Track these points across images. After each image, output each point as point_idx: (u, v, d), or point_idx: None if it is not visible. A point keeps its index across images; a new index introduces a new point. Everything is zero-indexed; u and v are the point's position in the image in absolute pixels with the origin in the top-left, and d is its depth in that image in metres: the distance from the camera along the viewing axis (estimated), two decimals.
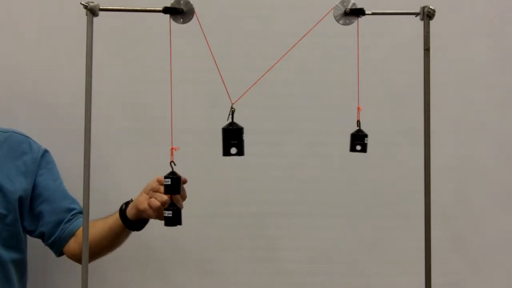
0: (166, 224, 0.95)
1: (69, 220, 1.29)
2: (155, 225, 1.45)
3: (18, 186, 1.26)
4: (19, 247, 1.29)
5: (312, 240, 1.55)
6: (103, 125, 1.47)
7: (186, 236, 1.52)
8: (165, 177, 0.95)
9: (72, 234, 1.28)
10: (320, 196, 1.54)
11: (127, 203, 1.23)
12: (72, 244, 1.29)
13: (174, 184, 0.94)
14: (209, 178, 1.52)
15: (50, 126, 1.36)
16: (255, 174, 1.53)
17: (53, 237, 1.28)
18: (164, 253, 1.53)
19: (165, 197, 1.13)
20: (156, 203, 1.14)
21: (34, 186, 1.29)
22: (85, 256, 0.90)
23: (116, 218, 1.22)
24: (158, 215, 1.15)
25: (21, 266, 1.30)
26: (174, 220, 0.95)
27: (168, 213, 0.95)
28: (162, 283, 1.53)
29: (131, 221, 1.21)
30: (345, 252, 1.55)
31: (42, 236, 1.30)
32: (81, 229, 1.28)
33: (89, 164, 0.91)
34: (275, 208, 1.54)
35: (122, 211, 1.22)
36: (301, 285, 1.54)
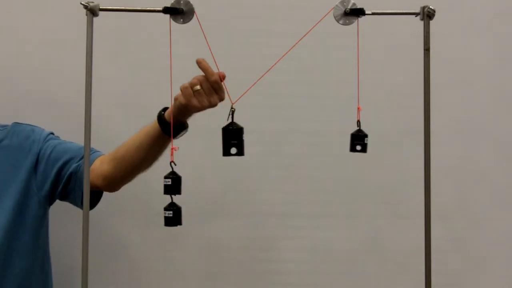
0: (166, 224, 0.95)
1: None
2: (155, 225, 1.45)
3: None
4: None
5: (312, 240, 1.55)
6: (103, 125, 1.48)
7: (186, 236, 1.52)
8: (165, 177, 0.95)
9: (93, 161, 1.22)
10: (320, 196, 1.54)
11: (166, 108, 1.15)
12: (99, 167, 1.21)
13: (174, 184, 0.94)
14: (209, 178, 1.52)
15: (50, 126, 1.35)
16: (255, 174, 1.53)
17: (79, 172, 1.22)
18: (164, 253, 1.53)
19: (197, 77, 1.06)
20: (184, 84, 1.06)
21: (43, 157, 1.25)
22: (85, 256, 0.90)
23: (153, 123, 1.15)
24: (187, 99, 1.06)
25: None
26: (174, 220, 0.95)
27: (168, 213, 0.95)
28: (162, 283, 1.53)
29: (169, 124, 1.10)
30: (345, 252, 1.55)
31: (71, 179, 1.23)
32: (103, 155, 1.23)
33: (89, 164, 0.91)
34: (275, 208, 1.54)
35: (160, 114, 1.14)
36: (301, 285, 1.54)
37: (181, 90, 1.07)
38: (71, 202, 1.28)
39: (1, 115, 1.39)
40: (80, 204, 1.25)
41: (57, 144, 1.26)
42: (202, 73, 1.06)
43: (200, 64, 1.05)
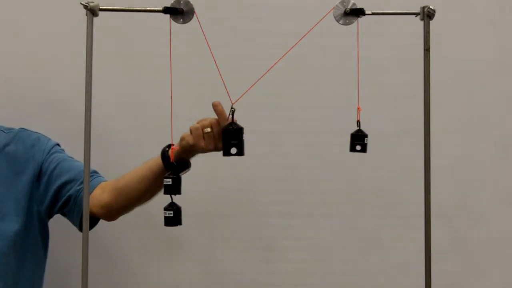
0: (166, 224, 0.95)
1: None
2: (155, 225, 1.45)
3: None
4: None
5: (312, 240, 1.55)
6: (103, 125, 1.48)
7: (186, 236, 1.52)
8: (165, 177, 0.95)
9: (94, 188, 1.22)
10: (320, 196, 1.54)
11: (169, 145, 1.15)
12: (99, 195, 1.21)
13: (174, 184, 0.95)
14: (209, 177, 1.52)
15: (50, 126, 1.36)
16: (255, 174, 1.53)
17: (79, 198, 1.22)
18: (163, 253, 1.53)
19: (209, 120, 1.08)
20: (195, 125, 1.08)
21: (46, 170, 1.25)
22: (85, 256, 0.90)
23: (156, 158, 1.15)
24: (195, 140, 1.08)
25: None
26: (174, 220, 0.95)
27: (168, 213, 0.95)
28: (162, 283, 1.53)
29: (172, 163, 1.11)
30: (345, 252, 1.55)
31: (71, 201, 1.23)
32: (104, 182, 1.24)
33: (89, 164, 0.91)
34: (275, 208, 1.54)
35: (164, 151, 1.14)
36: (301, 285, 1.54)
37: (191, 131, 1.08)
38: (69, 220, 1.29)
39: (1, 115, 1.39)
40: (78, 226, 1.26)
41: (62, 160, 1.26)
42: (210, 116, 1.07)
43: (216, 107, 1.06)
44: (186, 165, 1.15)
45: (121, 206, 1.21)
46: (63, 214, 1.29)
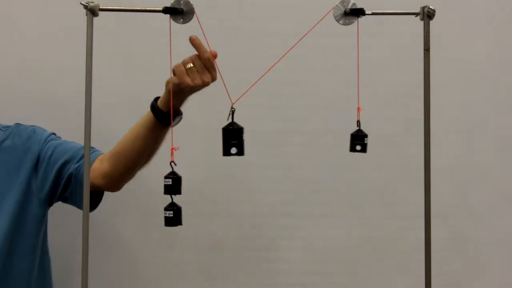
0: (166, 224, 0.95)
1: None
2: (155, 225, 1.45)
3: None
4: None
5: (312, 240, 1.55)
6: (103, 124, 1.48)
7: (186, 236, 1.52)
8: (165, 177, 0.95)
9: (93, 161, 1.21)
10: (320, 196, 1.54)
11: (157, 97, 1.14)
12: (98, 167, 1.20)
13: (174, 184, 0.94)
14: (209, 178, 1.52)
15: (50, 126, 1.35)
16: (255, 174, 1.53)
17: (79, 174, 1.21)
18: (164, 253, 1.53)
19: (188, 57, 1.05)
20: (177, 64, 1.05)
21: (43, 158, 1.24)
22: (85, 255, 0.90)
23: (147, 114, 1.14)
24: (180, 77, 1.05)
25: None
26: (175, 220, 0.95)
27: (168, 213, 0.95)
28: (162, 283, 1.53)
29: (164, 113, 1.11)
30: (345, 252, 1.55)
31: (72, 180, 1.23)
32: (102, 154, 1.23)
33: (89, 164, 0.91)
34: (275, 208, 1.54)
35: (153, 103, 1.13)
36: (301, 285, 1.54)
37: (173, 70, 1.06)
38: (72, 204, 1.28)
39: (2, 115, 1.39)
40: (81, 206, 1.24)
41: (57, 145, 1.26)
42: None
43: (193, 41, 1.04)
44: (176, 113, 1.13)
45: (122, 172, 1.20)
46: (65, 199, 1.27)
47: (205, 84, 1.06)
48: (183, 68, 1.05)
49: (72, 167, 1.22)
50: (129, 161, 1.19)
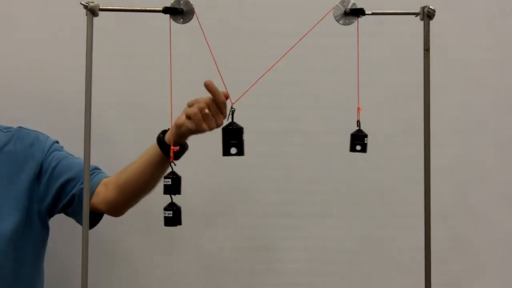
0: (166, 224, 0.95)
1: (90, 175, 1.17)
2: (154, 225, 1.45)
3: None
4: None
5: (312, 240, 1.55)
6: (103, 125, 1.48)
7: (185, 236, 1.52)
8: (165, 177, 0.95)
9: (97, 185, 1.22)
10: (320, 196, 1.54)
11: (164, 131, 1.14)
12: (103, 193, 1.21)
13: (174, 184, 0.94)
14: (209, 178, 1.52)
15: (50, 126, 1.36)
16: (255, 174, 1.53)
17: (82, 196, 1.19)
18: (163, 253, 1.53)
19: (204, 101, 1.05)
20: (193, 110, 1.05)
21: (47, 169, 1.24)
22: (85, 255, 0.90)
23: (154, 149, 1.14)
24: (197, 124, 1.06)
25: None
26: (174, 220, 0.95)
27: (168, 213, 0.95)
28: (162, 283, 1.53)
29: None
30: (345, 252, 1.55)
31: (75, 200, 1.23)
32: (107, 178, 1.24)
33: (88, 164, 0.91)
34: (275, 208, 1.54)
35: (160, 138, 1.14)
36: (301, 285, 1.54)
37: (189, 116, 1.06)
38: (73, 218, 1.28)
39: (2, 115, 1.39)
40: (82, 223, 1.25)
41: (62, 158, 1.26)
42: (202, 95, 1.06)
43: (208, 86, 1.05)
44: (184, 148, 1.14)
45: (127, 201, 1.22)
46: (66, 214, 1.28)
47: (218, 127, 1.07)
48: (200, 115, 1.05)
49: (76, 187, 1.23)
50: (135, 192, 1.20)
